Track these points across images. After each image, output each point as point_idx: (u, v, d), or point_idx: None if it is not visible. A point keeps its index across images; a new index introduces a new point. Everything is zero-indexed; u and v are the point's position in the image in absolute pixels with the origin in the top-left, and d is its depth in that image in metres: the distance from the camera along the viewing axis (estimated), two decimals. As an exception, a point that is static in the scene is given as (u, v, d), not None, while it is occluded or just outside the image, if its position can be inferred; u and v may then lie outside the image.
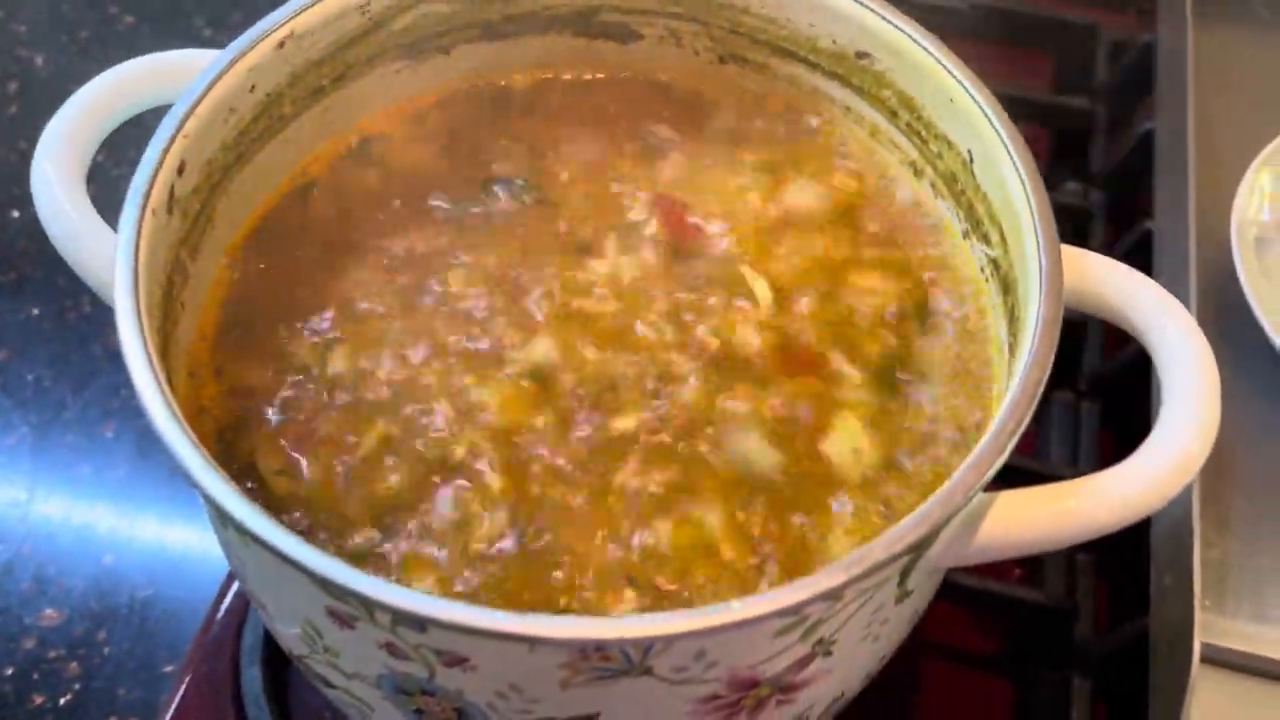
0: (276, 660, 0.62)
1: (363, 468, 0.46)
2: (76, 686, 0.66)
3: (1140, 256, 0.72)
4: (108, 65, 0.49)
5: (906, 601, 0.43)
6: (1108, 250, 0.77)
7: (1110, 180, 0.81)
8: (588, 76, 0.59)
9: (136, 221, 0.43)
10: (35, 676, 0.66)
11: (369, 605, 0.36)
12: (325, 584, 0.35)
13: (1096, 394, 0.72)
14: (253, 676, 0.61)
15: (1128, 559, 0.62)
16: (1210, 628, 0.54)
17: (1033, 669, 0.62)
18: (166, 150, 0.45)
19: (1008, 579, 0.65)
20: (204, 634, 0.64)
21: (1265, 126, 0.69)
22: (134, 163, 0.45)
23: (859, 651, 0.43)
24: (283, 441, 0.47)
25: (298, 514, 0.45)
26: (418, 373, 0.48)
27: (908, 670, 0.62)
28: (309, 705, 0.62)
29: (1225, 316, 0.64)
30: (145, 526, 0.72)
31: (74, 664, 0.67)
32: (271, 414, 0.48)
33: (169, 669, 0.67)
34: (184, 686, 0.62)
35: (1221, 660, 0.53)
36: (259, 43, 0.49)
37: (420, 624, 0.36)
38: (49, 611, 0.69)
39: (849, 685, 0.45)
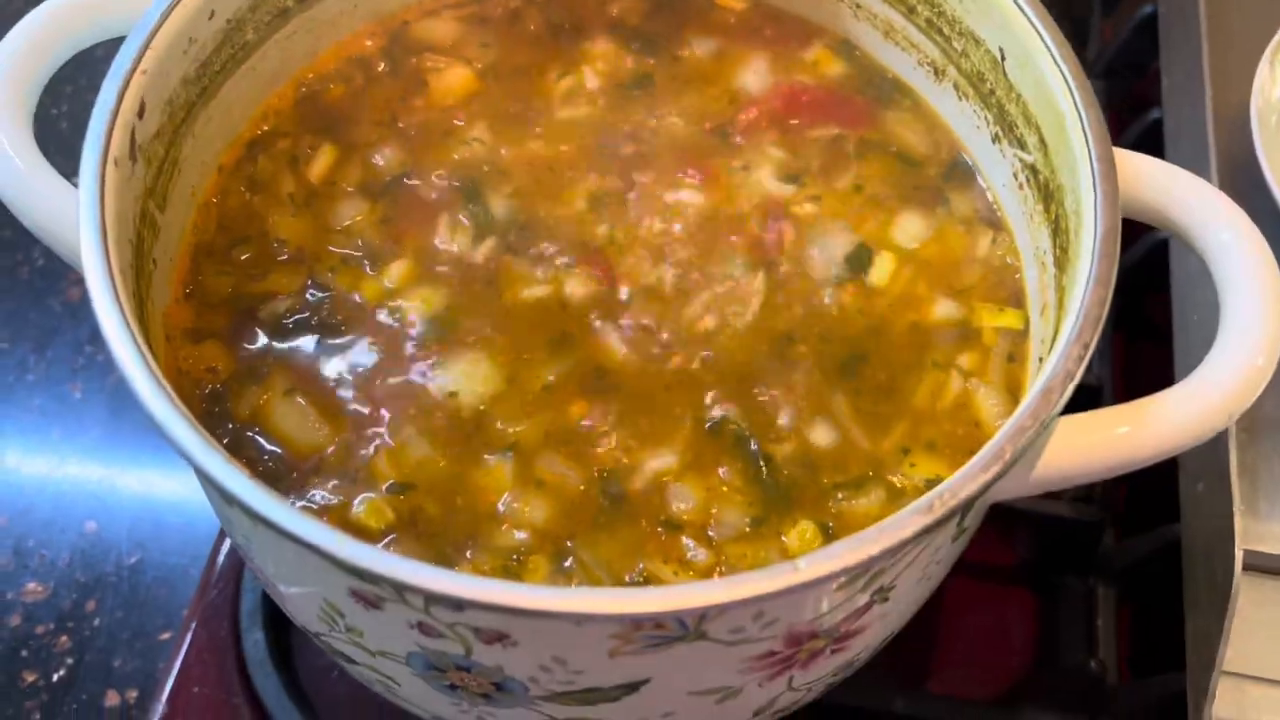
0: (279, 622, 0.59)
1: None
2: (69, 661, 0.63)
3: (1149, 147, 0.69)
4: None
5: (961, 539, 0.41)
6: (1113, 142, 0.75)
7: (1110, 68, 0.78)
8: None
9: (98, 174, 0.38)
10: (24, 654, 0.63)
11: (399, 588, 0.33)
12: (351, 569, 0.32)
13: (1107, 293, 0.70)
14: (256, 640, 0.59)
15: (1149, 466, 0.61)
16: (1246, 533, 0.52)
17: (1056, 580, 0.61)
18: (124, 90, 0.40)
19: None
20: (200, 599, 0.61)
21: (1280, 2, 0.66)
22: (73, 99, 0.40)
23: (914, 593, 0.41)
24: (280, 396, 0.43)
25: (299, 474, 0.42)
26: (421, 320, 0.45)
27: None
28: (316, 666, 0.59)
29: (1247, 206, 0.61)
30: (126, 489, 0.69)
31: (64, 637, 0.64)
32: (261, 370, 0.44)
33: (165, 636, 0.64)
34: (183, 654, 0.59)
35: (1262, 566, 0.52)
36: (214, -37, 0.44)
37: (457, 604, 0.33)
38: (32, 585, 0.65)
39: (899, 625, 0.43)
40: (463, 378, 0.44)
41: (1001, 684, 0.59)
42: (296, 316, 0.45)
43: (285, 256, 0.47)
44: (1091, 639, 0.59)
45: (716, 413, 0.43)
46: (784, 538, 0.41)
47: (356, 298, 0.46)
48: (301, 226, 0.48)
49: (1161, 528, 0.59)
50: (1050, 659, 0.59)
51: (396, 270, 0.46)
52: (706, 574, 0.40)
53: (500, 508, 0.41)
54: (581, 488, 0.42)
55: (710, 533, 0.41)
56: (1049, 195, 0.44)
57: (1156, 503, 0.59)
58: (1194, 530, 0.56)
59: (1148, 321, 0.70)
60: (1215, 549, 0.53)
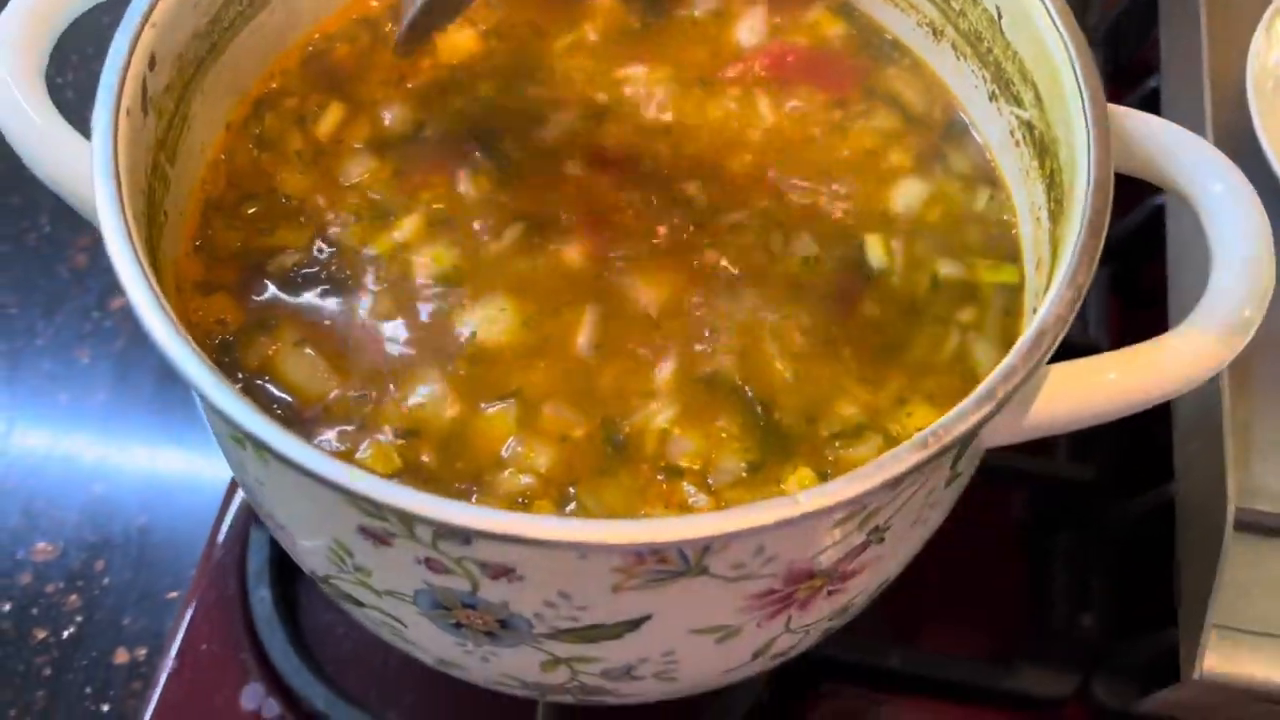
0: (285, 580, 0.60)
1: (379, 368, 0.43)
2: (79, 619, 0.64)
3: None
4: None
5: (955, 483, 0.41)
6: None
7: (1108, 36, 0.78)
8: None
9: (111, 124, 0.39)
10: (34, 611, 0.64)
11: (408, 520, 0.34)
12: (361, 501, 0.33)
13: (1105, 257, 0.70)
14: (262, 598, 0.60)
15: (1141, 425, 0.61)
16: (1238, 491, 0.53)
17: (1051, 538, 0.62)
18: (135, 42, 0.41)
19: (1021, 450, 0.64)
20: (207, 558, 0.62)
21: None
22: (79, 68, 0.41)
23: (909, 536, 0.42)
24: (289, 347, 0.44)
25: (306, 422, 0.43)
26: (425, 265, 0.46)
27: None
28: (321, 622, 0.60)
29: (1242, 170, 0.62)
30: (133, 452, 0.70)
31: (74, 596, 0.65)
32: (270, 321, 0.45)
33: (173, 595, 0.66)
34: (191, 612, 0.60)
35: (1254, 524, 0.53)
36: (224, -84, 0.45)
37: (465, 536, 0.34)
38: (42, 544, 0.66)
39: (894, 570, 0.44)
40: (471, 326, 0.44)
41: (996, 641, 0.60)
42: (305, 270, 0.46)
43: (293, 212, 0.48)
44: (1086, 596, 0.60)
45: (716, 363, 0.44)
46: (782, 484, 0.42)
47: (364, 252, 0.47)
48: (309, 183, 0.49)
49: (1158, 487, 0.60)
50: (1045, 616, 0.60)
51: (404, 225, 0.47)
52: (706, 518, 0.41)
53: (504, 453, 0.42)
54: (585, 434, 0.42)
55: (709, 480, 0.42)
56: (1044, 150, 0.45)
57: (1152, 462, 0.60)
58: (1188, 488, 0.57)
59: (1145, 287, 0.70)
60: (1208, 507, 0.54)
